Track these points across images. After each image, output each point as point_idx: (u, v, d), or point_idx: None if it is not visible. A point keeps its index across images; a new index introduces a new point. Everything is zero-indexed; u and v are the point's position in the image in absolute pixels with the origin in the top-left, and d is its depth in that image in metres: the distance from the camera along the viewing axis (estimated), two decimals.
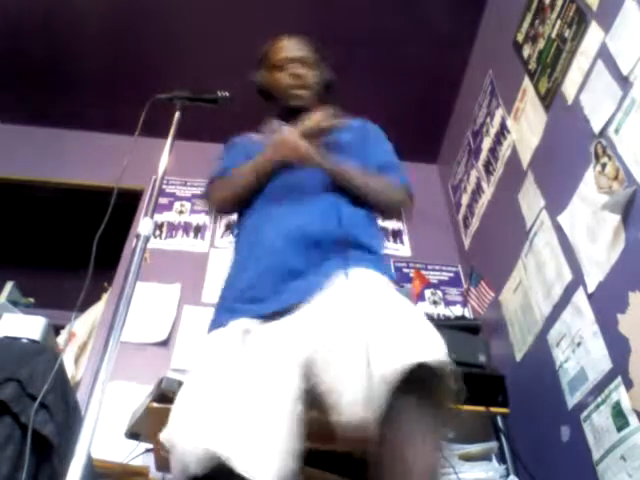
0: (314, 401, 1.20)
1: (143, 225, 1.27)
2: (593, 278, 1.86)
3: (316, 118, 1.58)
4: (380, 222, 1.73)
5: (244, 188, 1.60)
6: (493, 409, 2.23)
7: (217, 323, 1.41)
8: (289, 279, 1.37)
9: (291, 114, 1.72)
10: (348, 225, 1.44)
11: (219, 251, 3.28)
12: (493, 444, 2.22)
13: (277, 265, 1.40)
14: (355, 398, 1.08)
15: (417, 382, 1.07)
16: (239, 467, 1.05)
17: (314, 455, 1.21)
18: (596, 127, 1.92)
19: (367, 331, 1.14)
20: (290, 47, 1.77)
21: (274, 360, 1.24)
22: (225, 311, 1.42)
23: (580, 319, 1.92)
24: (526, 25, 2.61)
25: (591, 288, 1.87)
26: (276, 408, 1.16)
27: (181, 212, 3.45)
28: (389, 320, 1.19)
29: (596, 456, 1.74)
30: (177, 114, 1.53)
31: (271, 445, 1.10)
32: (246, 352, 1.27)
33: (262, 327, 1.33)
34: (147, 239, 1.26)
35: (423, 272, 3.23)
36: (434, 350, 1.11)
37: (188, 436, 1.12)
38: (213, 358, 1.29)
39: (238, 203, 1.63)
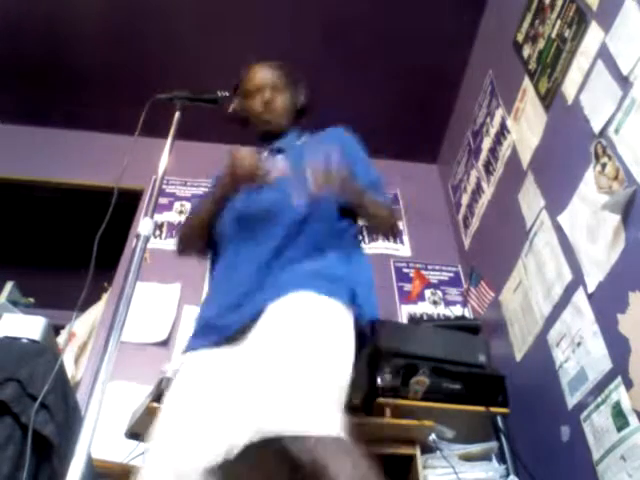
0: None
1: (143, 225, 1.27)
2: (593, 278, 1.86)
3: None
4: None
5: (202, 219, 1.64)
6: (493, 409, 2.23)
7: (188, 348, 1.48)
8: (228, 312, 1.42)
9: (264, 140, 1.78)
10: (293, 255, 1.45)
11: None
12: (493, 444, 2.22)
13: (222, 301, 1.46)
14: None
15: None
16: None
17: None
18: (596, 127, 1.92)
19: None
20: (260, 74, 1.81)
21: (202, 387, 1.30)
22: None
23: (580, 319, 1.92)
24: (526, 25, 2.61)
25: (591, 288, 1.87)
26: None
27: (181, 212, 3.45)
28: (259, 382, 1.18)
29: (596, 456, 1.74)
30: (177, 114, 1.53)
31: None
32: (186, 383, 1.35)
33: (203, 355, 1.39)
34: (147, 239, 1.26)
35: (423, 272, 3.23)
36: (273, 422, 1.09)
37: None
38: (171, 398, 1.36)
39: (199, 237, 1.68)
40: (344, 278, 1.42)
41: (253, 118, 1.80)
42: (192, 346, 1.44)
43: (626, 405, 1.63)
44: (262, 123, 1.78)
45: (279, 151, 1.72)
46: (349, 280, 1.42)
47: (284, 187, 1.51)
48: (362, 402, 2.06)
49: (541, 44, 2.44)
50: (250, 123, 1.82)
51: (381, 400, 2.05)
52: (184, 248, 1.75)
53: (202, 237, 1.67)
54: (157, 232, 3.30)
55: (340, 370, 1.23)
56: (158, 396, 1.91)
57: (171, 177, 3.57)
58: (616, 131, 1.81)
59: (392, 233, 1.76)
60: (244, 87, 1.81)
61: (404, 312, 3.07)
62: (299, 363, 1.18)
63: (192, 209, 1.75)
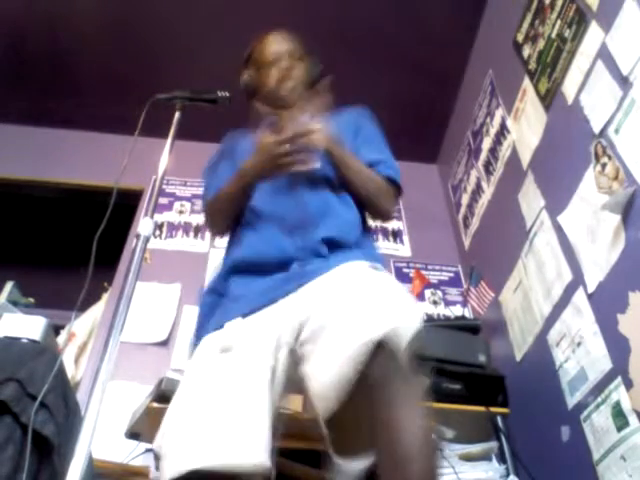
0: (294, 383, 1.29)
1: (143, 225, 1.27)
2: (593, 278, 1.86)
3: (302, 125, 1.51)
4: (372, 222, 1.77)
5: (232, 205, 1.60)
6: (493, 409, 2.23)
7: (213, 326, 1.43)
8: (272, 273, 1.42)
9: (278, 108, 1.71)
10: (330, 229, 1.46)
11: (219, 251, 3.28)
12: (493, 444, 2.22)
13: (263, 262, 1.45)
14: (328, 381, 1.15)
15: (390, 348, 1.12)
16: (223, 465, 1.10)
17: (287, 451, 1.24)
18: (596, 127, 1.92)
19: (337, 312, 1.23)
20: (276, 42, 1.75)
21: (252, 354, 1.29)
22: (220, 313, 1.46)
23: (580, 319, 1.91)
24: (526, 25, 2.61)
25: (591, 288, 1.87)
26: (252, 405, 1.20)
27: (181, 212, 3.45)
28: (356, 299, 1.25)
29: (596, 456, 1.74)
30: (177, 114, 1.53)
31: (248, 438, 1.15)
32: (233, 347, 1.31)
33: (245, 322, 1.36)
34: (147, 239, 1.26)
35: (423, 272, 3.23)
36: (397, 318, 1.17)
37: (175, 453, 1.16)
38: (199, 369, 1.33)
39: (231, 220, 1.64)
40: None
41: (269, 87, 1.70)
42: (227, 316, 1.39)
43: (626, 405, 1.63)
44: (281, 91, 1.69)
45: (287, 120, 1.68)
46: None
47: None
48: None
49: (541, 44, 2.44)
50: (259, 94, 1.75)
51: None
52: (216, 227, 1.70)
53: (232, 216, 1.62)
54: (157, 232, 3.30)
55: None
56: (158, 396, 1.91)
57: (171, 177, 3.57)
58: (616, 131, 1.81)
59: (383, 215, 1.70)
60: (257, 58, 1.75)
61: None
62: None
63: (211, 193, 1.67)
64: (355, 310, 1.21)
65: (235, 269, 1.50)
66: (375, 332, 1.12)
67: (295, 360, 1.29)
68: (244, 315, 1.36)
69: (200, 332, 1.46)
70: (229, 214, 1.61)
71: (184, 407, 1.24)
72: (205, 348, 1.36)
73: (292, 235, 1.45)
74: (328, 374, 1.15)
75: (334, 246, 1.44)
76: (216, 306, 1.48)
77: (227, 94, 1.60)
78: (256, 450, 1.13)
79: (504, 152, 2.74)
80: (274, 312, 1.35)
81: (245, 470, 1.11)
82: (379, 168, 1.63)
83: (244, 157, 1.58)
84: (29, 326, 1.61)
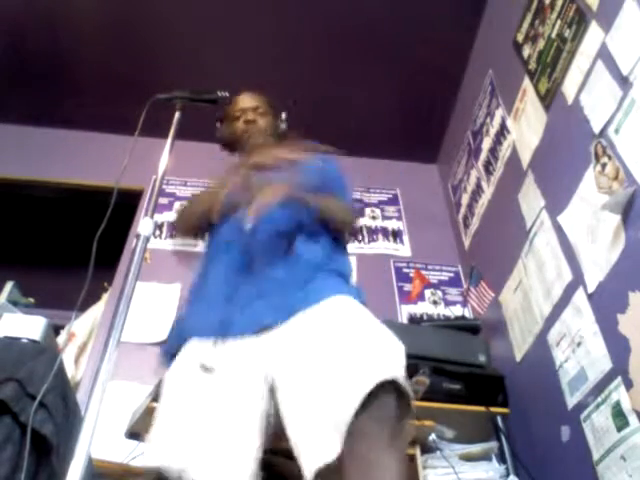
0: (277, 426, 1.26)
1: (143, 225, 1.27)
2: (593, 278, 1.86)
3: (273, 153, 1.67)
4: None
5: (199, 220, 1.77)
6: (493, 409, 2.23)
7: (181, 337, 1.45)
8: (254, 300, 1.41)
9: (247, 153, 1.83)
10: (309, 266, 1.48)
11: None
12: (493, 444, 2.22)
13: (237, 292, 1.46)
14: (311, 443, 1.13)
15: (371, 399, 1.10)
16: (194, 476, 1.12)
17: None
18: (596, 127, 1.92)
19: (318, 367, 1.20)
20: (244, 99, 1.94)
21: (241, 377, 1.30)
22: (189, 326, 1.48)
23: (580, 319, 1.91)
24: (526, 25, 2.61)
25: (591, 288, 1.87)
26: (238, 421, 1.22)
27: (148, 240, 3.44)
28: (338, 352, 1.21)
29: (596, 456, 1.74)
30: (177, 114, 1.53)
31: (229, 454, 1.16)
32: (215, 370, 1.32)
33: (229, 345, 1.36)
34: (147, 239, 1.26)
35: (423, 272, 3.23)
36: (380, 371, 1.13)
37: (151, 454, 1.20)
38: (183, 375, 1.35)
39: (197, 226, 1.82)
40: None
41: (237, 138, 1.89)
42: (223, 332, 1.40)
43: (626, 405, 1.63)
44: (246, 139, 1.86)
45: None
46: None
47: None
48: None
49: (541, 44, 2.44)
50: (235, 147, 1.92)
51: None
52: (181, 231, 1.92)
53: (199, 227, 1.81)
54: (157, 232, 3.30)
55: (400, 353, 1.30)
56: (158, 396, 1.90)
57: (171, 177, 3.57)
58: (616, 131, 1.80)
59: (350, 232, 1.80)
60: (229, 112, 1.94)
61: (404, 312, 3.07)
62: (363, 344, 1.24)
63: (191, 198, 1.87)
64: (332, 375, 1.18)
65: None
66: (362, 389, 1.10)
67: (276, 398, 1.28)
68: (221, 337, 1.37)
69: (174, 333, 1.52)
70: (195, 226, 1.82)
71: (169, 421, 1.26)
72: (184, 362, 1.37)
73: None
74: (306, 436, 1.14)
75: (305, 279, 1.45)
76: (192, 309, 1.52)
77: (227, 94, 1.61)
78: (224, 473, 1.14)
79: (504, 152, 2.74)
80: (257, 345, 1.34)
81: None
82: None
83: None
84: (29, 326, 1.60)
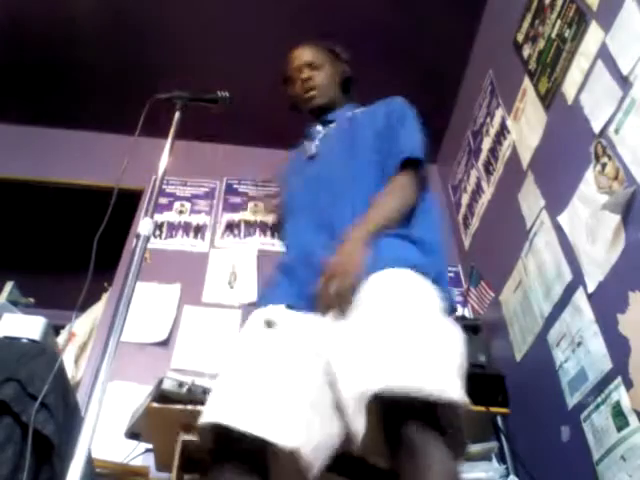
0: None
1: (143, 225, 1.27)
2: (593, 278, 1.86)
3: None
4: None
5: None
6: (493, 409, 2.23)
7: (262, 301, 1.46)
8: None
9: (317, 117, 1.82)
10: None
11: (219, 251, 3.28)
12: (493, 444, 2.22)
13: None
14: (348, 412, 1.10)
15: (418, 410, 1.04)
16: (249, 430, 1.08)
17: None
18: (596, 127, 1.92)
19: (357, 349, 1.16)
20: (297, 56, 1.86)
21: (301, 335, 1.29)
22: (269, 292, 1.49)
23: (580, 319, 1.91)
24: (526, 25, 2.61)
25: (591, 288, 1.87)
26: (298, 384, 1.19)
27: (181, 212, 3.45)
28: (378, 339, 1.16)
29: (596, 456, 1.74)
30: (177, 114, 1.54)
31: (283, 415, 1.13)
32: (277, 324, 1.32)
33: (293, 315, 1.35)
34: (147, 239, 1.26)
35: None
36: (412, 377, 1.06)
37: (210, 411, 1.16)
38: (247, 333, 1.35)
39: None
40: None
41: (299, 101, 1.83)
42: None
43: (626, 405, 1.63)
44: (306, 102, 1.81)
45: (329, 122, 1.78)
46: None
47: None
48: None
49: (541, 44, 2.44)
50: (302, 110, 1.86)
51: None
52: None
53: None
54: (157, 232, 3.30)
55: (459, 344, 1.22)
56: (158, 396, 1.91)
57: (171, 177, 3.57)
58: (616, 131, 1.80)
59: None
60: (286, 75, 1.87)
61: None
62: (420, 328, 1.17)
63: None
64: (371, 353, 1.13)
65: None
66: (378, 384, 1.05)
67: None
68: (289, 306, 1.37)
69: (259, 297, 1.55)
70: None
71: (230, 373, 1.24)
72: (250, 323, 1.38)
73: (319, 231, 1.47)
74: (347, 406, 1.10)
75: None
76: (276, 281, 1.50)
77: (227, 94, 1.61)
78: (287, 428, 1.11)
79: (504, 152, 2.74)
80: (314, 323, 1.32)
81: (272, 444, 1.09)
82: (394, 158, 1.59)
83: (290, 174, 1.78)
84: (29, 326, 1.61)
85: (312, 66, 1.82)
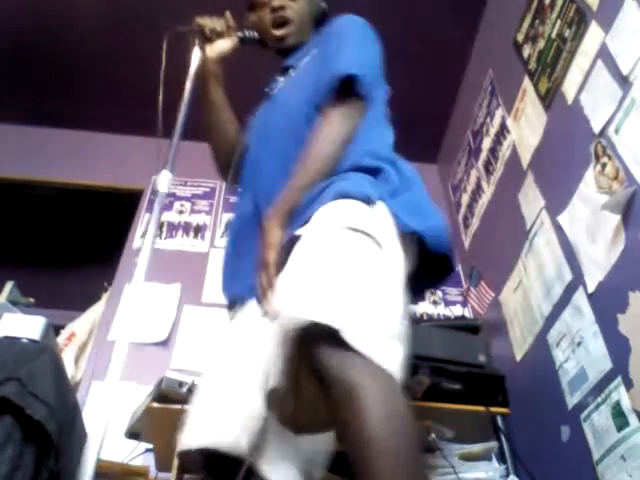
0: None
1: (162, 180, 1.26)
2: (593, 278, 1.86)
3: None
4: None
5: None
6: (493, 409, 2.23)
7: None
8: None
9: (281, 55, 1.61)
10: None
11: (219, 251, 3.28)
12: (493, 444, 2.22)
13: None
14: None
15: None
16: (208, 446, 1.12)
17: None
18: (596, 127, 1.92)
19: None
20: None
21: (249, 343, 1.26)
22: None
23: (580, 319, 1.91)
24: (526, 25, 2.61)
25: (591, 288, 1.87)
26: (246, 385, 1.18)
27: (181, 212, 3.45)
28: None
29: (596, 456, 1.74)
30: (195, 50, 1.51)
31: (225, 418, 1.15)
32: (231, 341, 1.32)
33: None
34: (165, 196, 1.26)
35: None
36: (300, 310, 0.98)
37: (185, 439, 1.20)
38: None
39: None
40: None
41: (264, 33, 1.58)
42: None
43: (626, 405, 1.63)
44: (274, 39, 1.57)
45: (288, 69, 1.57)
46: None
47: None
48: None
49: (541, 44, 2.44)
50: (267, 44, 1.61)
51: None
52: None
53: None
54: (157, 232, 3.30)
55: (384, 289, 1.07)
56: (158, 396, 1.91)
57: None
58: (616, 131, 1.80)
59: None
60: (254, 9, 1.60)
61: None
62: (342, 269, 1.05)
63: None
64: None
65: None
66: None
67: None
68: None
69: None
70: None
71: (205, 384, 1.29)
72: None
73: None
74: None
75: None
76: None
77: (255, 34, 1.54)
78: (230, 429, 1.13)
79: (504, 152, 2.74)
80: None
81: (225, 450, 1.11)
82: (324, 83, 1.35)
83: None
84: (29, 326, 1.60)
85: (283, 8, 1.55)
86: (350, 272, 1.05)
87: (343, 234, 1.10)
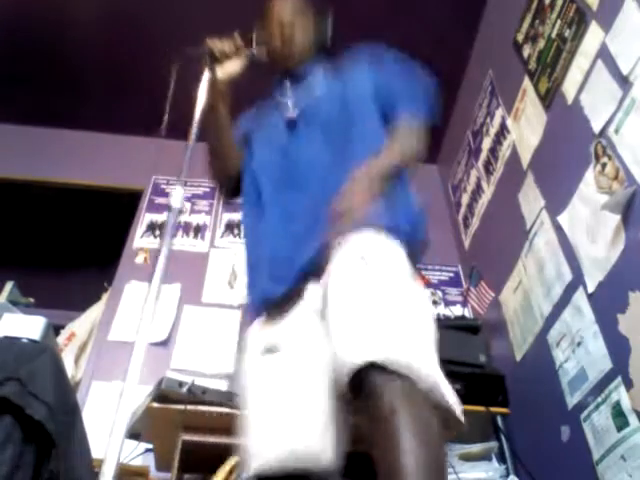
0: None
1: (175, 196, 1.27)
2: (593, 278, 1.86)
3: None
4: None
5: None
6: (493, 409, 2.23)
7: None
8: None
9: (287, 76, 1.69)
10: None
11: (219, 251, 3.28)
12: (493, 444, 2.22)
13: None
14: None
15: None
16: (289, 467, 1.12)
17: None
18: (596, 127, 1.92)
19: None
20: (278, 7, 1.72)
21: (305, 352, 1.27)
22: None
23: (580, 319, 1.91)
24: (526, 25, 2.61)
25: (591, 288, 1.87)
26: (311, 403, 1.20)
27: (181, 212, 3.44)
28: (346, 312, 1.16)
29: (596, 456, 1.74)
30: (206, 71, 1.53)
31: (311, 438, 1.15)
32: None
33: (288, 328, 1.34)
34: (180, 212, 1.27)
35: (423, 272, 3.23)
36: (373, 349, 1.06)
37: (250, 455, 1.20)
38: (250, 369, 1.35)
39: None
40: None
41: (273, 54, 1.67)
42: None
43: (626, 405, 1.63)
44: (282, 58, 1.66)
45: (295, 80, 1.66)
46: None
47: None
48: None
49: (541, 44, 2.44)
50: (274, 62, 1.69)
51: None
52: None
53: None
54: (157, 232, 3.30)
55: (426, 315, 1.25)
56: (158, 396, 1.91)
57: (171, 177, 3.57)
58: (616, 131, 1.81)
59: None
60: (263, 21, 1.72)
61: None
62: (386, 302, 1.17)
63: None
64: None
65: None
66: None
67: None
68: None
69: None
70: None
71: (251, 414, 1.26)
72: (251, 349, 1.37)
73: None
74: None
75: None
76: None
77: (263, 52, 1.61)
78: (320, 450, 1.14)
79: (504, 152, 2.74)
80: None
81: (311, 469, 1.13)
82: (399, 111, 1.59)
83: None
84: (29, 326, 1.60)
85: (292, 23, 1.67)
86: (402, 309, 1.20)
87: (397, 276, 1.24)
